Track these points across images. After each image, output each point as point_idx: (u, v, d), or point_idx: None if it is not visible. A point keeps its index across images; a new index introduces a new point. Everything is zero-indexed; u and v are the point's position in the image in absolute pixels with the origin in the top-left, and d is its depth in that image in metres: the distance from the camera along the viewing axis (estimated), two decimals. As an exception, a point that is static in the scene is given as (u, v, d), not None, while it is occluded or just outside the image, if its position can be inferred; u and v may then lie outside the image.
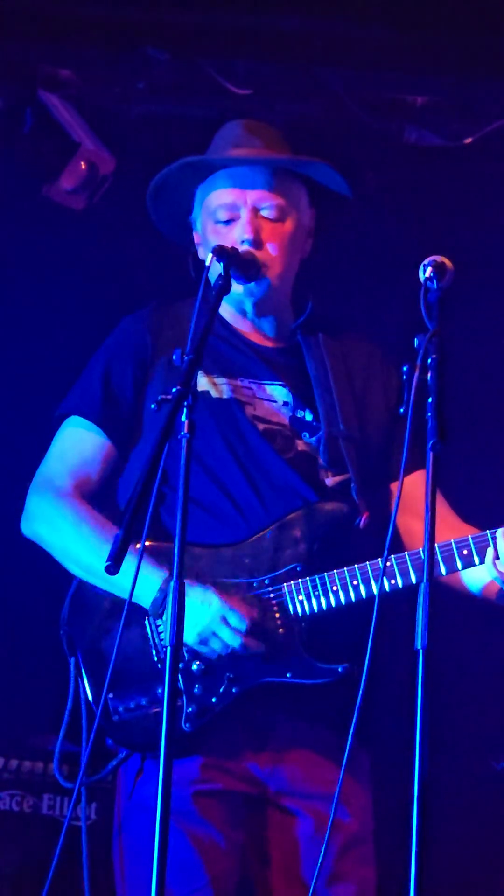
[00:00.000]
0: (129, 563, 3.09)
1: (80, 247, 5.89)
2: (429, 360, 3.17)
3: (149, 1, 5.41)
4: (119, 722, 3.62)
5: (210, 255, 3.58)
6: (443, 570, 3.53)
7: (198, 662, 3.57)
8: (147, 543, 3.30)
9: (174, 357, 3.36)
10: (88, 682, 3.65)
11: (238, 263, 3.64)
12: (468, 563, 3.53)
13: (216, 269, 3.58)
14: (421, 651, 2.96)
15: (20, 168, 5.75)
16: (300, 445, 3.77)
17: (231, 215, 3.82)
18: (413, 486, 3.57)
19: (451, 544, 3.54)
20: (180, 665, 3.49)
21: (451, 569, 3.54)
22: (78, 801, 4.59)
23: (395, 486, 3.80)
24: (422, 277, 3.31)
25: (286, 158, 3.90)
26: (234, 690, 3.56)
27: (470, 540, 3.53)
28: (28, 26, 5.49)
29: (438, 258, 3.33)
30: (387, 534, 3.67)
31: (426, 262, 3.33)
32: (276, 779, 3.62)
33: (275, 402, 3.82)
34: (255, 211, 3.81)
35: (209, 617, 3.50)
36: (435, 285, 3.29)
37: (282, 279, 3.84)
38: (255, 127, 3.98)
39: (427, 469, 3.09)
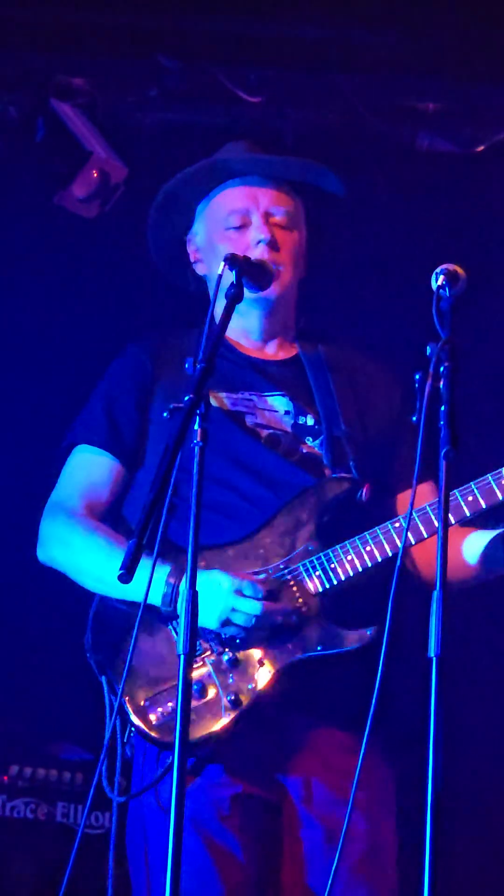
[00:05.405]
0: (139, 569, 3.06)
1: (91, 255, 5.89)
2: (441, 368, 3.17)
3: (161, 9, 5.42)
4: (158, 726, 3.60)
5: (222, 263, 3.57)
6: (451, 519, 3.51)
7: (229, 654, 3.57)
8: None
9: (186, 365, 3.36)
10: (122, 697, 3.62)
11: (250, 272, 3.64)
12: (475, 509, 3.55)
13: (228, 278, 3.57)
14: (434, 659, 2.95)
15: (32, 176, 5.76)
16: (304, 449, 3.79)
17: (243, 220, 3.85)
18: (419, 498, 3.45)
19: (455, 494, 3.53)
20: (210, 661, 3.56)
21: (459, 516, 3.54)
22: (92, 809, 4.64)
23: (401, 497, 3.81)
24: (434, 285, 3.30)
25: (297, 160, 3.94)
26: (268, 673, 3.56)
27: (472, 486, 3.55)
28: (40, 35, 5.51)
29: (451, 266, 3.33)
30: (388, 506, 3.73)
31: (439, 269, 3.32)
32: (294, 783, 3.62)
33: (276, 411, 3.84)
34: (268, 215, 3.84)
35: (223, 595, 3.51)
36: (447, 293, 3.28)
37: (289, 288, 3.88)
38: (258, 144, 4.05)
39: (440, 476, 3.07)
